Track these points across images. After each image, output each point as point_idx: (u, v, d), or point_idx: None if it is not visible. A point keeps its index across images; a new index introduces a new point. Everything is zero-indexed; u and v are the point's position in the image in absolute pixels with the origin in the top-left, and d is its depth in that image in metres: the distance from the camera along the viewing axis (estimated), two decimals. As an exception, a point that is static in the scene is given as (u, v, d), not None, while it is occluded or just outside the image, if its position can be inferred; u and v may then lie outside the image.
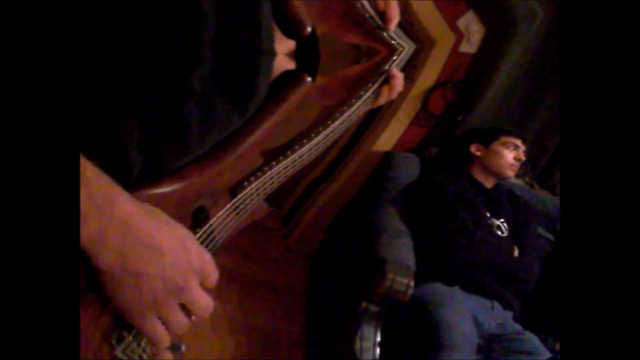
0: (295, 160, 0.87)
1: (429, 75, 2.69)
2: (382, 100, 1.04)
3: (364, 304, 1.90)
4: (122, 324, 0.64)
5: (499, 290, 2.13)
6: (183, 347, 0.70)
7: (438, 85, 2.72)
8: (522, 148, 2.49)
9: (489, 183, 2.47)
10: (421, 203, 2.27)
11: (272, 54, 0.77)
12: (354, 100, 0.96)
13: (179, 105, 0.66)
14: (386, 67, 1.00)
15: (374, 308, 1.90)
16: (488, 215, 2.29)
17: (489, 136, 2.53)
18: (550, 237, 2.62)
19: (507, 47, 2.64)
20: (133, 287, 0.61)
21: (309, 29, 0.82)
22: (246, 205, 0.82)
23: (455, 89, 2.73)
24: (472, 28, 2.62)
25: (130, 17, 0.60)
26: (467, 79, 2.72)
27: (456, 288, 2.04)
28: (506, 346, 2.03)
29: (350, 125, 0.99)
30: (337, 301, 2.16)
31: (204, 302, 0.67)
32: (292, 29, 0.82)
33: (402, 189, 2.37)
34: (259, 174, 0.82)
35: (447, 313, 1.89)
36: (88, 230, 0.57)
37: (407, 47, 1.03)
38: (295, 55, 0.86)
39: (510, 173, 2.48)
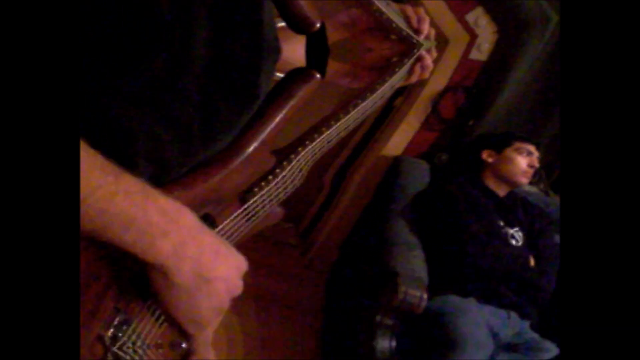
0: (315, 150, 0.86)
1: (440, 78, 2.67)
2: (414, 78, 1.04)
3: (379, 317, 1.91)
4: (116, 323, 0.63)
5: (514, 300, 2.10)
6: (184, 345, 0.70)
7: (449, 89, 2.69)
8: (536, 154, 2.42)
9: (501, 191, 2.41)
10: (432, 213, 2.23)
11: (276, 51, 0.77)
12: (386, 78, 0.96)
13: (176, 109, 0.67)
14: (416, 51, 0.99)
15: (388, 321, 1.91)
16: (501, 224, 2.25)
17: (501, 142, 2.45)
18: None
19: (519, 53, 2.61)
20: (206, 294, 0.63)
21: (318, 25, 0.83)
22: (258, 211, 0.80)
23: (466, 94, 2.69)
24: (481, 23, 2.59)
25: (116, 18, 0.60)
26: (478, 85, 2.69)
27: (470, 299, 2.02)
28: (524, 355, 2.03)
29: (374, 110, 0.98)
30: (352, 315, 2.16)
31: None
32: (299, 26, 0.82)
33: (412, 199, 2.34)
34: (270, 177, 0.80)
35: (461, 324, 1.89)
36: (168, 244, 0.59)
37: (430, 43, 1.03)
38: (305, 51, 0.86)
39: (524, 180, 2.40)
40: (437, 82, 2.68)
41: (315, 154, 0.87)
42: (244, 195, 0.77)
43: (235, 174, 0.75)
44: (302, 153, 0.84)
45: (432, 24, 1.01)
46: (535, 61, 2.67)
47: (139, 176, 0.63)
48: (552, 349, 2.06)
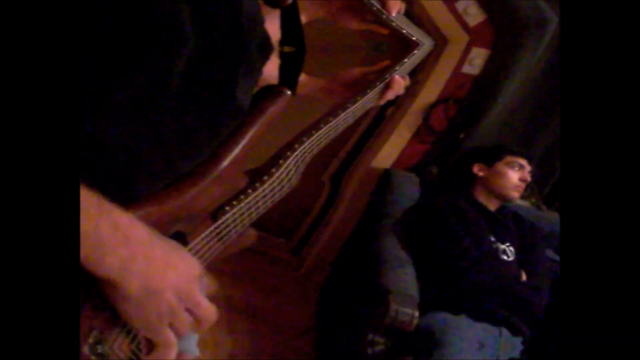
0: (282, 179, 0.87)
1: (432, 90, 2.67)
2: (382, 101, 1.06)
3: (370, 335, 1.89)
4: (101, 326, 0.65)
5: (506, 316, 2.08)
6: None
7: (440, 101, 2.68)
8: (528, 168, 2.39)
9: (492, 205, 2.38)
10: (422, 230, 2.21)
11: (257, 71, 0.79)
12: (357, 99, 0.98)
13: (156, 125, 0.67)
14: (395, 69, 1.03)
15: (380, 339, 1.90)
16: (492, 239, 2.22)
17: (492, 155, 2.42)
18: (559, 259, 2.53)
19: (512, 67, 2.61)
20: (154, 305, 0.65)
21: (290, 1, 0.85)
22: (229, 231, 0.81)
23: (457, 106, 2.69)
24: (471, 11, 2.57)
25: (99, 33, 0.60)
26: (470, 98, 2.69)
27: (462, 316, 2.00)
28: None
29: (343, 128, 1.00)
30: (343, 333, 2.15)
31: (206, 305, 0.70)
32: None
33: (402, 215, 2.32)
34: (242, 197, 0.81)
35: (452, 342, 1.88)
36: (117, 260, 0.60)
37: (425, 43, 1.07)
38: (279, 68, 0.88)
39: (515, 195, 2.37)
40: (429, 94, 2.68)
41: (290, 171, 0.88)
42: (215, 214, 0.78)
43: (207, 192, 0.76)
44: (276, 174, 0.85)
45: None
46: (528, 75, 2.67)
47: (119, 192, 0.63)
48: None
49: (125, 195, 0.64)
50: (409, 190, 2.51)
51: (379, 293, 1.89)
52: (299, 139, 0.89)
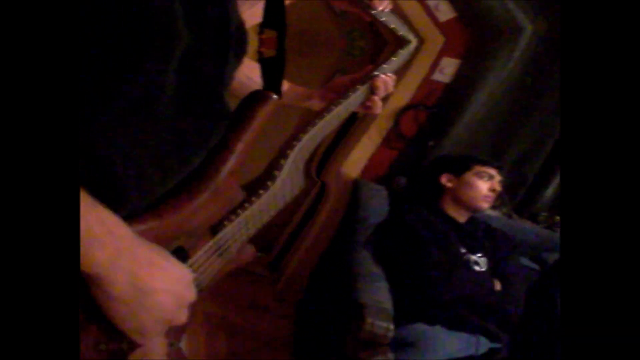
0: (276, 192, 0.87)
1: (402, 94, 2.67)
2: (375, 109, 1.07)
3: (347, 347, 1.94)
4: (108, 337, 0.64)
5: (482, 324, 2.09)
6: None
7: (410, 106, 2.67)
8: (498, 178, 2.34)
9: (462, 217, 2.34)
10: (393, 246, 2.22)
11: (235, 69, 0.79)
12: (341, 100, 0.98)
13: (152, 133, 0.67)
14: (376, 72, 1.05)
15: (357, 351, 1.93)
16: (463, 251, 2.21)
17: (460, 165, 2.36)
18: (535, 266, 2.57)
19: (484, 72, 2.62)
20: (146, 306, 0.63)
21: None
22: (229, 246, 0.80)
23: (427, 112, 2.68)
24: (441, 8, 2.60)
25: (95, 43, 0.59)
26: (439, 105, 2.68)
27: (437, 327, 2.03)
28: None
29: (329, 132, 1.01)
30: (322, 346, 2.18)
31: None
32: None
33: (374, 231, 2.32)
34: (239, 210, 0.81)
35: (430, 352, 1.93)
36: (103, 254, 0.59)
37: (412, 41, 1.09)
38: (261, 72, 0.88)
39: (485, 205, 2.32)
40: (400, 98, 2.68)
41: (285, 181, 0.89)
42: (215, 228, 0.77)
43: (206, 206, 0.75)
44: (272, 186, 0.85)
45: (409, 23, 1.06)
46: (499, 85, 2.68)
47: (117, 202, 0.63)
48: None
49: (118, 204, 0.63)
50: (378, 205, 2.50)
51: (354, 307, 1.91)
52: (288, 143, 0.89)
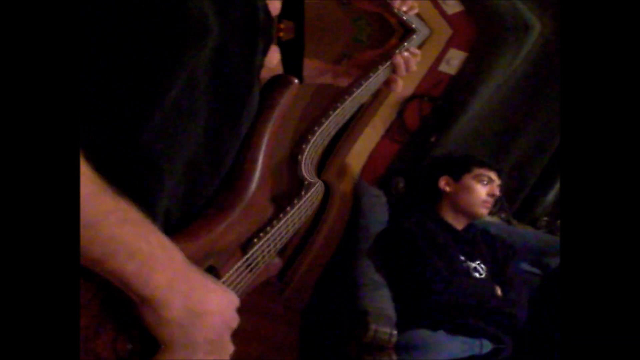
0: (300, 206, 0.85)
1: (408, 84, 2.61)
2: (397, 87, 1.05)
3: (352, 353, 1.99)
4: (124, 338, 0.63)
5: (485, 329, 2.10)
6: None
7: (416, 96, 2.63)
8: (497, 182, 2.32)
9: (460, 224, 2.33)
10: (394, 255, 2.23)
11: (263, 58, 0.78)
12: (362, 82, 0.96)
13: (189, 132, 0.67)
14: (396, 51, 1.02)
15: (361, 356, 1.98)
16: (462, 258, 2.21)
17: (460, 167, 2.34)
18: (536, 270, 2.56)
19: (490, 68, 2.59)
20: (201, 328, 0.63)
21: None
22: (258, 262, 0.80)
23: (432, 104, 2.64)
24: (449, 2, 2.58)
25: (135, 45, 0.59)
26: (444, 97, 2.64)
27: (440, 332, 2.05)
28: None
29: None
30: (327, 353, 2.22)
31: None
32: None
33: (375, 240, 2.31)
34: (268, 228, 0.80)
35: (433, 356, 1.96)
36: (164, 278, 0.60)
37: (421, 30, 1.08)
38: (281, 56, 0.86)
39: (484, 211, 2.30)
40: (405, 87, 2.54)
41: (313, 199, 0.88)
42: (245, 247, 0.77)
43: (237, 225, 0.75)
44: (297, 205, 0.85)
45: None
46: (504, 82, 2.64)
47: (158, 211, 0.65)
48: None
49: (159, 199, 0.64)
50: (379, 212, 2.49)
51: (358, 314, 1.97)
52: (306, 135, 0.87)
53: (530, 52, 2.60)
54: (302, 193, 0.86)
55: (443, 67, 2.64)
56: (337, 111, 0.91)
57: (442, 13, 2.62)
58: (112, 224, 0.56)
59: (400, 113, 2.65)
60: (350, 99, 0.94)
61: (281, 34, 0.87)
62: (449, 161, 2.44)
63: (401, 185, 2.65)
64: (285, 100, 0.82)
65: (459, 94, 2.63)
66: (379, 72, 1.01)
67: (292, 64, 0.88)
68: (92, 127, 0.60)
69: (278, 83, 0.83)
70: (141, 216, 0.59)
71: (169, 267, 0.61)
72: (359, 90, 0.96)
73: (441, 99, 2.65)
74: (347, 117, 0.96)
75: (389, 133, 2.69)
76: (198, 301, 0.63)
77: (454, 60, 2.62)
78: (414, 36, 1.07)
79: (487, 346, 2.10)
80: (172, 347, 0.63)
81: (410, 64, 1.06)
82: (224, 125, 0.73)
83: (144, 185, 0.64)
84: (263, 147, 0.78)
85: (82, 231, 0.54)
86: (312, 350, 2.40)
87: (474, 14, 2.59)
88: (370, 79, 0.99)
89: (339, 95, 0.94)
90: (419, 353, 1.97)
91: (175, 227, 0.70)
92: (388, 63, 1.03)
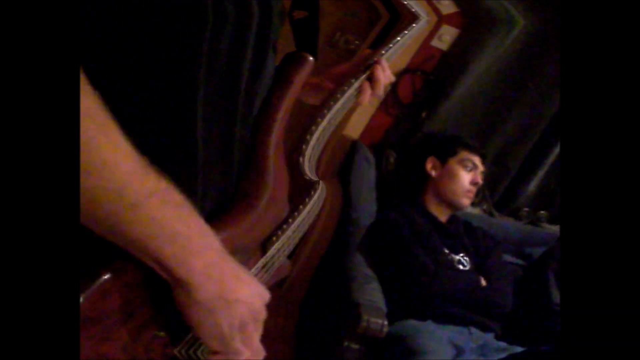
0: (312, 204, 0.84)
1: (401, 58, 2.62)
2: (364, 98, 0.99)
3: (346, 343, 2.05)
4: (165, 338, 0.64)
5: (472, 317, 2.15)
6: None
7: (408, 69, 2.66)
8: (481, 168, 2.37)
9: (443, 216, 2.38)
10: (381, 247, 2.27)
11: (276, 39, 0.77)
12: (338, 96, 0.91)
13: (223, 119, 0.68)
14: (413, 25, 0.98)
15: (355, 346, 2.05)
16: (447, 251, 2.26)
17: (447, 148, 2.39)
18: (519, 261, 2.62)
19: (479, 49, 2.61)
20: (227, 314, 0.64)
21: None
22: (274, 262, 0.79)
23: (424, 78, 2.67)
24: (444, 2, 2.58)
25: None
26: (436, 72, 2.67)
27: (429, 322, 2.11)
28: None
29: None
30: (323, 343, 2.28)
31: (260, 334, 0.71)
32: None
33: (365, 233, 2.36)
34: (285, 226, 0.79)
35: (423, 343, 1.99)
36: (200, 263, 0.60)
37: (425, 17, 1.04)
38: (293, 34, 0.84)
39: (466, 202, 2.36)
40: (399, 61, 2.62)
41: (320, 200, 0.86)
42: (265, 245, 0.77)
43: (263, 218, 0.74)
44: (309, 204, 0.83)
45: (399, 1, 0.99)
46: (493, 64, 2.66)
47: (197, 194, 0.65)
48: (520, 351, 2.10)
49: (196, 184, 0.64)
50: (369, 206, 2.52)
51: (351, 307, 2.03)
52: (303, 138, 0.85)
53: (514, 43, 2.64)
54: (312, 193, 0.84)
55: (435, 42, 2.65)
56: (322, 123, 0.88)
57: (436, 10, 2.62)
58: (154, 206, 0.55)
59: (394, 87, 2.68)
60: (334, 108, 0.90)
61: (294, 13, 0.81)
62: (437, 140, 2.48)
63: (392, 159, 2.66)
64: (300, 78, 0.79)
65: (451, 68, 2.65)
66: (359, 80, 0.97)
67: (306, 41, 0.85)
68: (135, 116, 0.59)
69: (293, 60, 0.80)
70: (182, 199, 0.59)
71: (206, 254, 0.61)
72: (342, 98, 0.92)
73: (433, 74, 2.67)
74: (333, 127, 0.93)
75: (383, 105, 2.71)
76: (230, 289, 0.63)
77: (446, 36, 2.62)
78: (414, 24, 1.04)
79: (475, 332, 2.15)
80: (199, 329, 0.64)
81: (387, 74, 1.01)
82: (241, 109, 0.72)
83: (184, 170, 0.64)
84: (276, 127, 0.76)
85: (128, 210, 0.54)
86: (308, 341, 2.49)
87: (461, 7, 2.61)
88: (354, 86, 0.96)
89: (318, 108, 0.91)
90: (409, 342, 2.02)
91: (211, 212, 0.70)
92: (367, 74, 0.99)
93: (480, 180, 2.36)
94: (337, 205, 2.64)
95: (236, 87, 0.71)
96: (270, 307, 0.68)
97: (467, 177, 2.34)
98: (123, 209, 0.54)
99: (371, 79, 0.99)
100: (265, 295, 0.70)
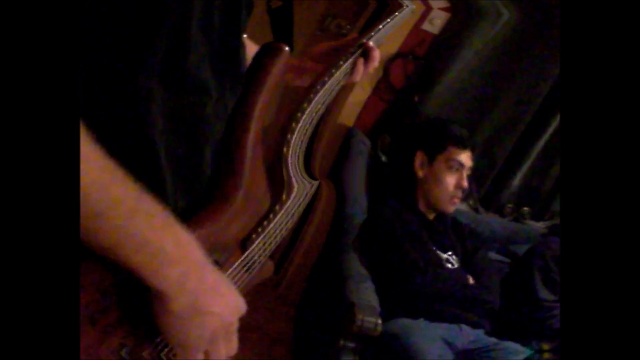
0: (293, 202, 0.83)
1: (392, 43, 2.65)
2: (357, 76, 0.97)
3: (341, 341, 2.07)
4: (134, 341, 0.63)
5: (462, 314, 2.19)
6: None
7: (400, 54, 2.67)
8: (468, 165, 2.38)
9: (431, 214, 2.40)
10: (374, 245, 2.31)
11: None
12: (332, 71, 0.89)
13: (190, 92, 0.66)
14: (366, 39, 0.95)
15: (350, 344, 2.07)
16: (435, 250, 2.29)
17: (436, 143, 2.39)
18: (504, 259, 2.65)
19: (468, 36, 2.63)
20: (198, 325, 0.63)
21: None
22: (255, 261, 0.78)
23: (416, 62, 2.68)
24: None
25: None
26: (428, 56, 2.69)
27: (420, 320, 2.14)
28: (486, 357, 2.11)
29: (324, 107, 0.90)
30: (319, 341, 2.29)
31: (235, 345, 0.71)
32: None
33: (359, 231, 2.38)
34: (265, 222, 0.78)
35: (416, 340, 2.02)
36: (173, 273, 0.59)
37: (409, 6, 1.03)
38: (270, 25, 0.85)
39: (450, 208, 2.38)
40: (390, 45, 2.66)
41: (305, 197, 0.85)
42: (244, 243, 0.75)
43: (240, 214, 0.72)
44: (288, 203, 0.82)
45: None
46: (482, 49, 2.67)
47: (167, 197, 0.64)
48: (518, 349, 2.14)
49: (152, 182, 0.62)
50: (362, 202, 2.54)
51: (345, 305, 2.06)
52: (287, 128, 0.82)
53: (501, 32, 2.66)
54: (293, 189, 0.83)
55: (426, 26, 2.65)
56: (312, 103, 0.86)
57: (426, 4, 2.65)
58: (120, 215, 0.54)
59: (386, 72, 2.67)
60: (322, 91, 0.88)
61: (271, 2, 0.85)
62: (427, 132, 2.48)
63: (387, 141, 2.66)
64: (277, 70, 0.78)
65: (443, 52, 2.65)
66: (351, 60, 0.95)
67: (282, 31, 0.86)
68: (98, 110, 0.59)
69: (268, 51, 0.79)
70: (156, 208, 0.58)
71: (182, 263, 0.60)
72: (331, 80, 0.90)
73: (424, 58, 2.68)
74: (321, 112, 0.90)
75: (376, 91, 2.72)
76: (203, 302, 0.63)
77: (437, 20, 2.64)
78: (397, 13, 1.03)
79: (466, 329, 2.18)
80: (168, 336, 0.64)
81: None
82: (215, 95, 0.71)
83: (148, 167, 0.63)
84: (254, 120, 0.74)
85: (91, 220, 0.53)
86: (305, 340, 2.50)
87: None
88: (345, 65, 0.94)
89: (310, 87, 0.88)
90: (403, 340, 2.05)
91: (184, 211, 0.68)
92: (358, 53, 0.97)
93: (465, 184, 2.36)
94: (332, 203, 2.64)
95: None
96: (268, 309, 0.70)
97: (451, 180, 2.35)
98: (86, 218, 0.53)
99: (365, 55, 0.98)
100: (241, 307, 0.69)
